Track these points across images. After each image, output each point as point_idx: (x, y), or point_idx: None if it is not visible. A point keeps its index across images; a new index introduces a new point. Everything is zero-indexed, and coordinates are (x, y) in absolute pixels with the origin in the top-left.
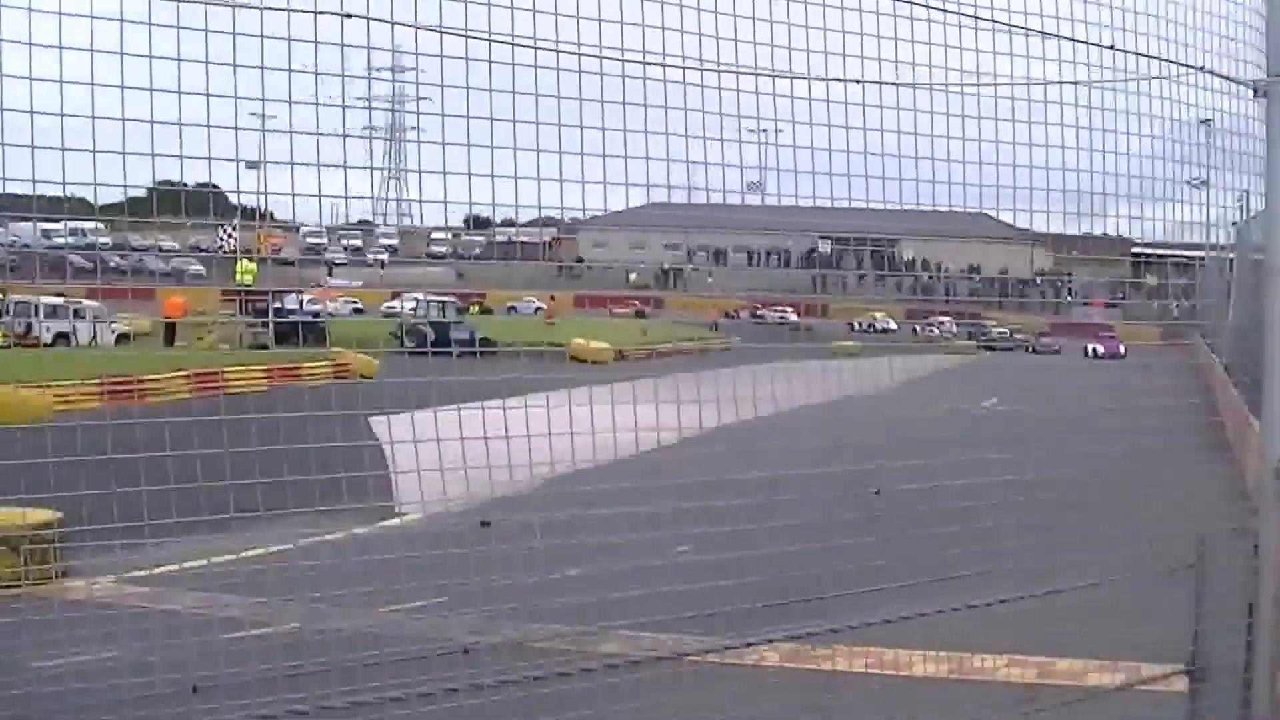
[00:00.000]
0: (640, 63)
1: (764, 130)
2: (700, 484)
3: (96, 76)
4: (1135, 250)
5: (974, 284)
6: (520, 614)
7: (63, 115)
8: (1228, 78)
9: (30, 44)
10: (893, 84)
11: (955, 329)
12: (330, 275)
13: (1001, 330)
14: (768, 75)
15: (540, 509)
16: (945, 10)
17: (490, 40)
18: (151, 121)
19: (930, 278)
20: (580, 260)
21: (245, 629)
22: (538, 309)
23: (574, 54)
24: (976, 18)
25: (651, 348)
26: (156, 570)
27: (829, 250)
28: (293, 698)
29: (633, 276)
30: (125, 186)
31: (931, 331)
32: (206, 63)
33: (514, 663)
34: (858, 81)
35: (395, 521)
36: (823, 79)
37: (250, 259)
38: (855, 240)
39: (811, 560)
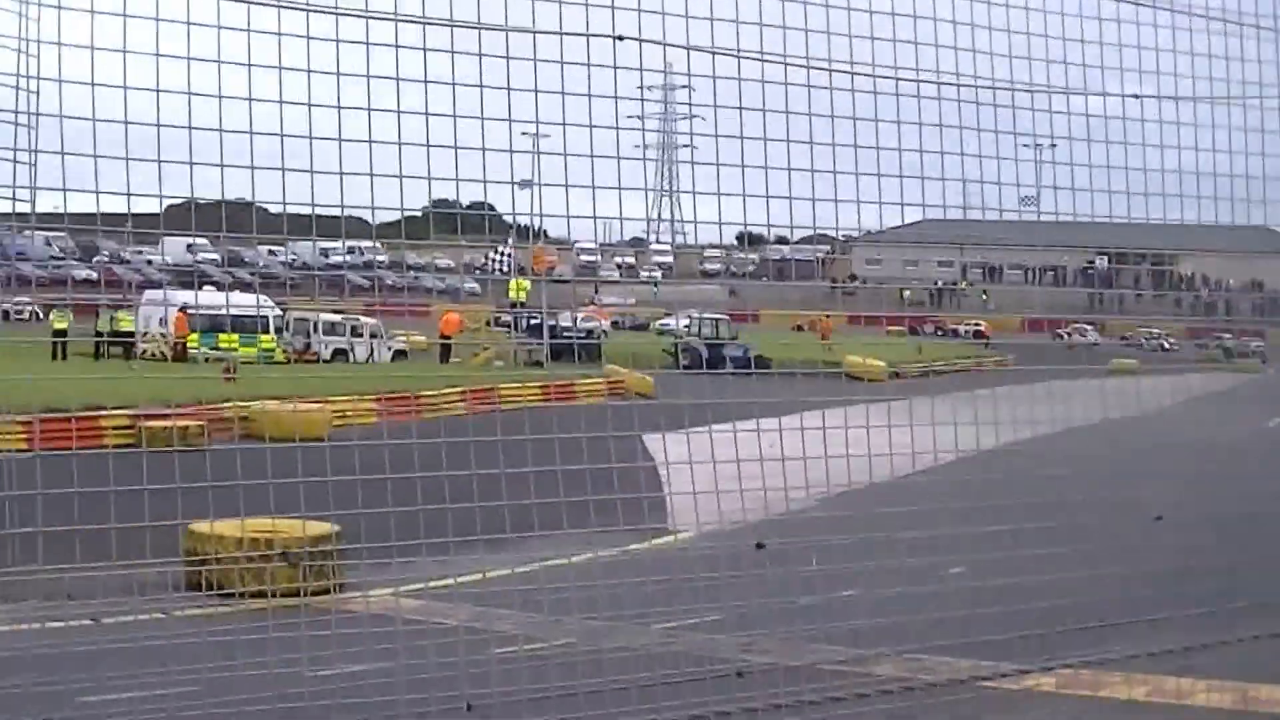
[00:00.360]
0: (914, 80)
1: (1038, 146)
2: (975, 506)
3: (373, 102)
4: None
5: (1258, 300)
6: (794, 636)
7: (341, 140)
8: None
9: (309, 71)
10: (1171, 98)
11: (1172, 344)
12: (597, 293)
13: (1259, 344)
14: (1043, 91)
15: (815, 531)
16: (1225, 20)
17: (763, 60)
18: (427, 145)
19: (1210, 294)
20: (853, 278)
21: (519, 645)
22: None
23: (846, 73)
24: (1258, 27)
25: (927, 365)
26: (432, 584)
27: (1105, 267)
28: (566, 718)
29: (907, 294)
30: (402, 210)
31: (1156, 347)
32: (481, 86)
33: (787, 686)
34: (1135, 96)
35: (669, 540)
36: (1099, 94)
37: (524, 277)
38: (1134, 256)
39: (1090, 586)
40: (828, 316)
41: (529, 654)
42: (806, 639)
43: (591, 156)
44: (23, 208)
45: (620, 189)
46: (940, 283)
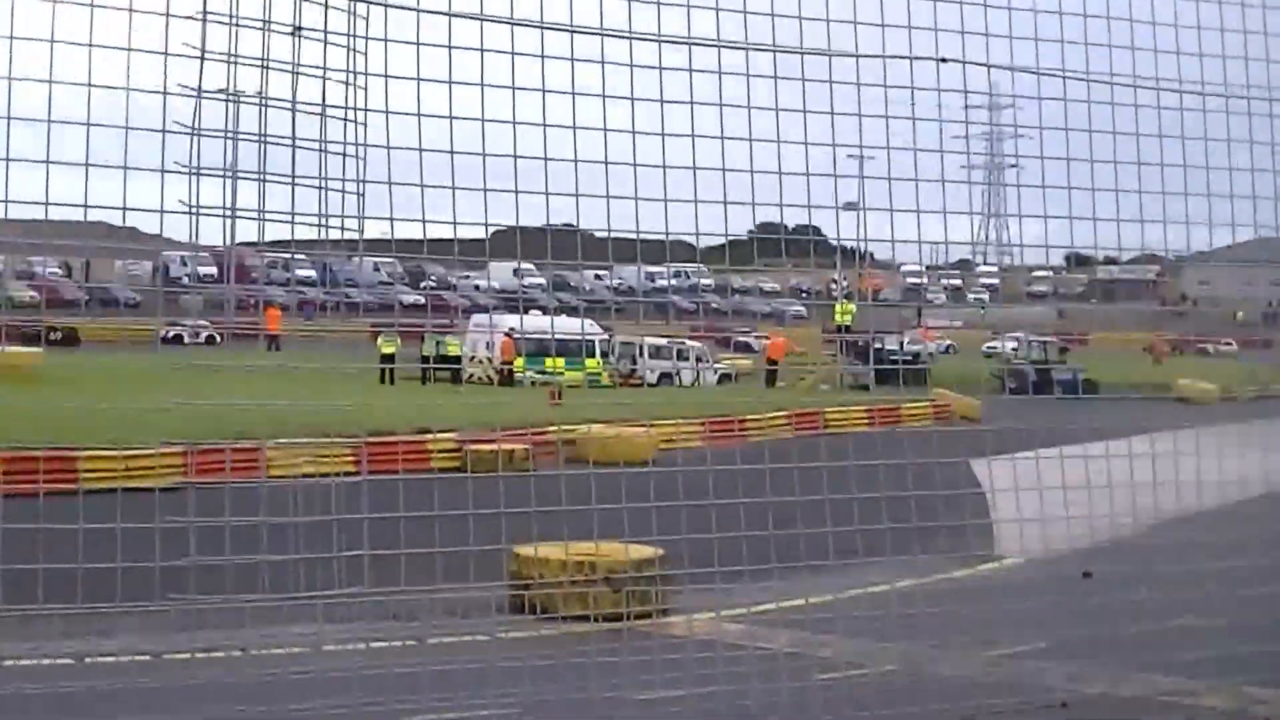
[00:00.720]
0: (1244, 97)
1: None
2: None
3: (696, 128)
4: None
5: None
6: (1122, 666)
7: (665, 166)
8: None
9: (632, 99)
10: None
11: None
12: (919, 315)
13: None
14: None
15: (1144, 558)
16: None
17: (1088, 80)
18: (751, 170)
19: None
20: (1184, 298)
21: (841, 671)
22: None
23: (1174, 90)
24: None
25: (1260, 389)
26: (754, 609)
27: None
28: None
29: (1239, 315)
30: (727, 234)
31: None
32: (804, 111)
33: (1115, 716)
34: None
35: (995, 566)
36: None
37: (850, 300)
38: None
39: None
40: (1167, 339)
41: (851, 680)
42: (1135, 669)
43: (916, 180)
44: (351, 235)
45: (945, 212)
46: (1274, 302)
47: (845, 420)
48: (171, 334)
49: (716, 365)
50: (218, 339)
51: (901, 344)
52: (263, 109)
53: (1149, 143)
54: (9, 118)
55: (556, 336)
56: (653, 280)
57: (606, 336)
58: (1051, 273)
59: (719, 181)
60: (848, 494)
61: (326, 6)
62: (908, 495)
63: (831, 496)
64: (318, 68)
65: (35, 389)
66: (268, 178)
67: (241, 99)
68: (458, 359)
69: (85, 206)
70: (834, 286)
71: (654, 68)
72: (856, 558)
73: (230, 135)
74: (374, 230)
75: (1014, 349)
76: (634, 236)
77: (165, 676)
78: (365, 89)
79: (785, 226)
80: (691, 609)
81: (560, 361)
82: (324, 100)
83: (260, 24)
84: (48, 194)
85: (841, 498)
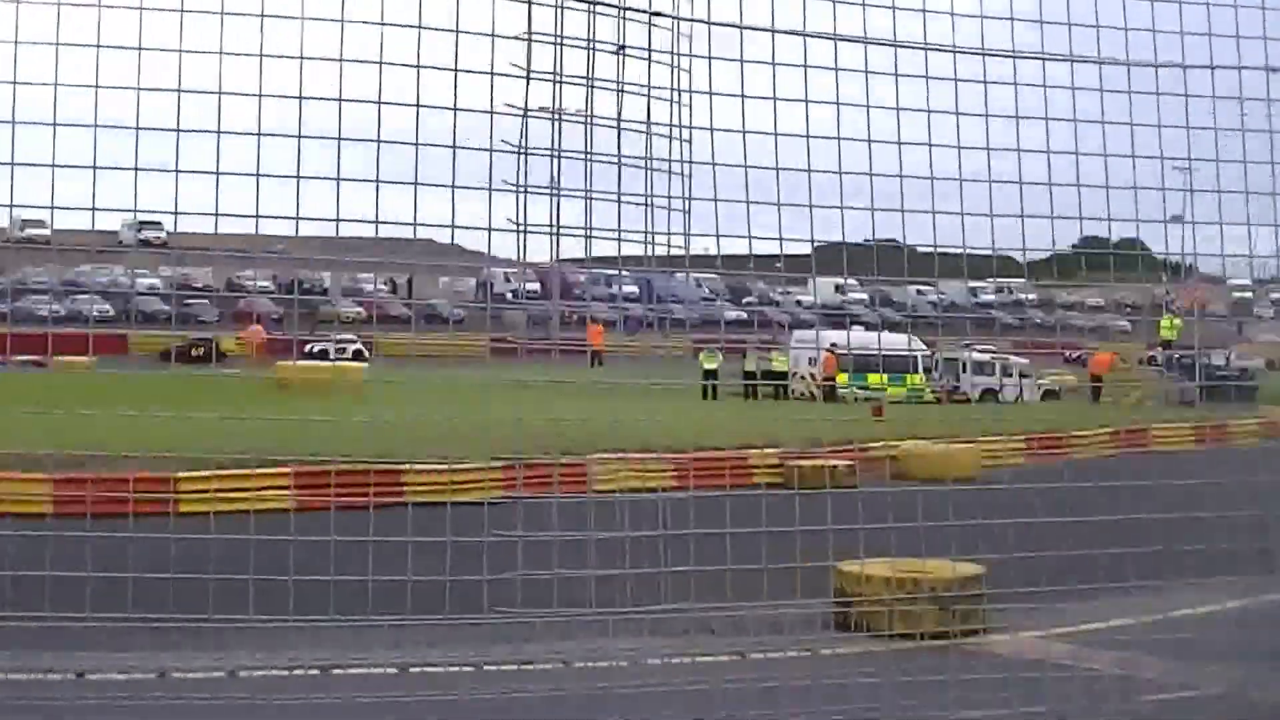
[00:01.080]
0: None
1: None
2: None
3: (1022, 142)
4: None
5: None
6: None
7: (990, 181)
8: None
9: (957, 113)
10: None
11: None
12: (1240, 331)
13: None
14: None
15: None
16: None
17: None
18: (1078, 185)
19: None
20: None
21: (1170, 693)
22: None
23: None
24: None
25: None
26: (1082, 627)
27: None
28: None
29: None
30: (1053, 250)
31: None
32: (1131, 124)
33: None
34: None
35: None
36: None
37: (1176, 314)
38: None
39: None
40: None
41: (1180, 703)
42: None
43: (1245, 193)
44: (676, 252)
45: (1277, 225)
46: None
47: (1172, 437)
48: (317, 348)
49: (1040, 381)
50: (365, 353)
51: (1228, 359)
52: (588, 127)
53: None
54: (339, 139)
55: (880, 352)
56: (976, 295)
57: (930, 352)
58: None
59: (1045, 196)
60: (1172, 514)
61: (650, 25)
62: (1237, 515)
63: (1157, 515)
64: (642, 85)
65: (362, 403)
66: (594, 195)
67: (566, 117)
68: (784, 374)
69: (414, 225)
70: (1160, 301)
71: (978, 81)
72: (1184, 579)
73: (556, 153)
74: (697, 247)
75: None
76: (958, 251)
77: (491, 687)
78: (690, 106)
79: (1110, 241)
80: (1018, 628)
81: (884, 377)
82: (649, 118)
83: (585, 43)
84: (378, 212)
85: (1168, 516)
